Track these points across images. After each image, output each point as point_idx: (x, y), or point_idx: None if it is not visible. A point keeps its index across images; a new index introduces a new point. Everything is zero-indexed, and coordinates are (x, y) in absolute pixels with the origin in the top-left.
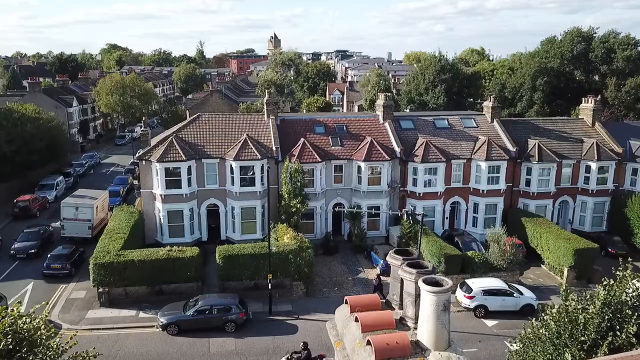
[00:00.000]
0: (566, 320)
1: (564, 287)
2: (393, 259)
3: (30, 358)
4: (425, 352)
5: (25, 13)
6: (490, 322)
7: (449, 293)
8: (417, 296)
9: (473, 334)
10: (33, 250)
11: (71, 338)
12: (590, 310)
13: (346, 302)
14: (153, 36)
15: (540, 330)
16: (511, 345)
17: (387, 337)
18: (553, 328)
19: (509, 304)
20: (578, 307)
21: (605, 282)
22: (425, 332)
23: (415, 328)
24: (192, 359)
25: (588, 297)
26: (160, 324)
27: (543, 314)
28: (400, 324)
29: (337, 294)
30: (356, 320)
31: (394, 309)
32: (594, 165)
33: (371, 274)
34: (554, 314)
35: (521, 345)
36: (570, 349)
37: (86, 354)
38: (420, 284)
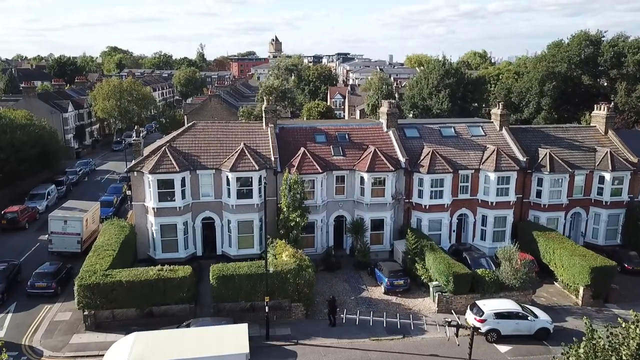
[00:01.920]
0: None
1: (588, 325)
2: None
3: None
4: None
5: (28, 16)
6: (503, 348)
7: None
8: None
9: None
10: None
11: None
12: (624, 352)
13: None
14: (154, 39)
15: None
16: None
17: None
18: None
19: (523, 327)
20: (607, 346)
21: (636, 318)
22: None
23: None
24: None
25: (617, 332)
26: None
27: (567, 355)
28: None
29: (339, 315)
30: None
31: None
32: (607, 176)
33: (375, 292)
34: (581, 355)
35: None
36: None
37: None
38: None
